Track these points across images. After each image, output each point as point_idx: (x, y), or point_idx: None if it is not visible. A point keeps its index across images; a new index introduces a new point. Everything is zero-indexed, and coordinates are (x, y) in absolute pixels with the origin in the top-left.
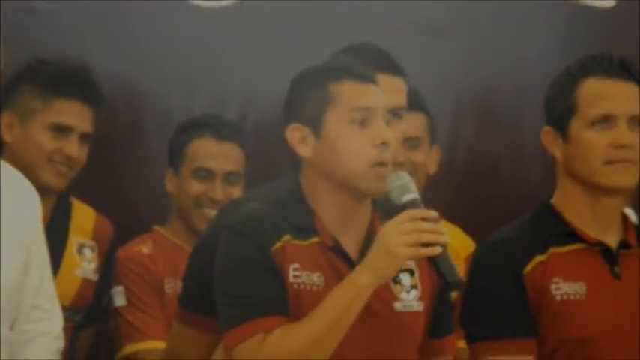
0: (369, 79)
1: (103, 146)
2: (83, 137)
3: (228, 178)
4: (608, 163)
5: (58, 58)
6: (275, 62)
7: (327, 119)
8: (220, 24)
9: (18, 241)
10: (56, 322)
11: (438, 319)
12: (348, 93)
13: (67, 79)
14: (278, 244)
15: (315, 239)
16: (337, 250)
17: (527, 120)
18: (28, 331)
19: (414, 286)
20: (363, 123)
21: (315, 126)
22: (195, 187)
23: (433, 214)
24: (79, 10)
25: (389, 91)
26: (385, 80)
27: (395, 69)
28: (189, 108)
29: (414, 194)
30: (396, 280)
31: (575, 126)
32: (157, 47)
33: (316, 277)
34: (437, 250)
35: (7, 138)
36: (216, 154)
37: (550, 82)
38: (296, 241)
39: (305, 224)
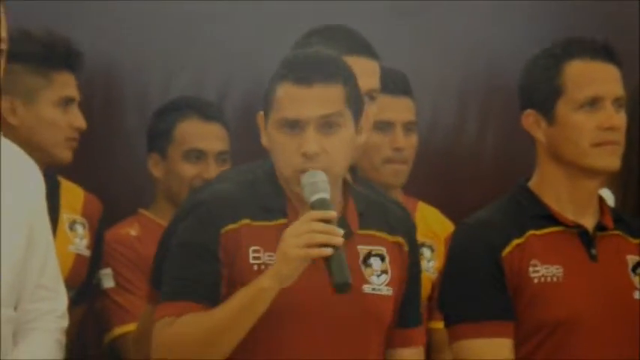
0: (307, 82)
1: None
2: (80, 106)
3: (220, 157)
4: (596, 145)
5: (41, 32)
6: (254, 45)
7: (269, 121)
8: (200, 5)
9: (21, 220)
10: (60, 301)
11: (406, 308)
12: (284, 99)
13: (58, 52)
14: (231, 226)
15: (281, 220)
16: None
17: (506, 102)
18: (31, 310)
19: (384, 271)
20: (294, 129)
21: (265, 123)
22: (189, 169)
23: (332, 214)
24: None
25: (362, 73)
26: (358, 62)
27: (368, 51)
28: (167, 87)
29: (322, 194)
30: (366, 264)
31: (563, 108)
32: (135, 25)
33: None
34: (327, 251)
35: (12, 121)
36: (206, 135)
37: (527, 65)
38: (258, 223)
39: (274, 205)
